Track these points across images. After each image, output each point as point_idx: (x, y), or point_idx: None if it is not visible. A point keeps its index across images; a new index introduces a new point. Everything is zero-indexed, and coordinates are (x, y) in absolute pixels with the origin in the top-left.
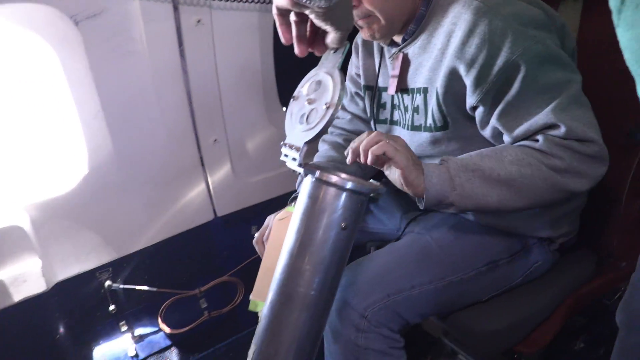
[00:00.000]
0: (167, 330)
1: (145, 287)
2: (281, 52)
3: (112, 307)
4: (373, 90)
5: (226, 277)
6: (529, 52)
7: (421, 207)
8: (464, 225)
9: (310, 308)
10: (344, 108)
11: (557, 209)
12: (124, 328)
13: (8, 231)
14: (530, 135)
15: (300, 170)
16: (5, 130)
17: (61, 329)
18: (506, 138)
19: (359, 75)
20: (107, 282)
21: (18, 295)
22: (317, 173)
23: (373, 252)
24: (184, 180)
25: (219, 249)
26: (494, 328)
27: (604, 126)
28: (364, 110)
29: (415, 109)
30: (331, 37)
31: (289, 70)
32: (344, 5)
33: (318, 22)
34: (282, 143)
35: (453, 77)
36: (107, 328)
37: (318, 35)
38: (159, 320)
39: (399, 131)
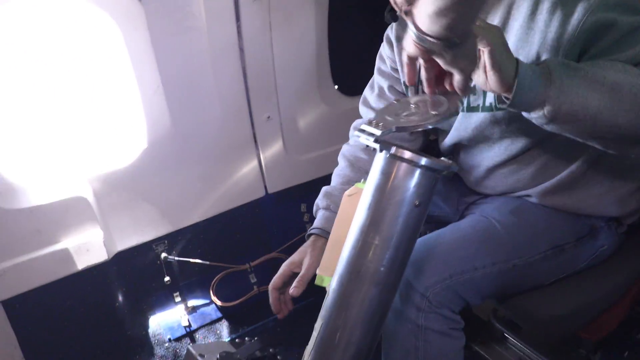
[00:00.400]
0: (219, 303)
1: (198, 260)
2: (336, 29)
3: (167, 279)
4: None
5: (275, 254)
6: (601, 4)
7: (505, 106)
8: (528, 207)
9: (380, 284)
10: (370, 106)
11: (624, 186)
12: (178, 299)
13: (73, 201)
14: None
15: (375, 145)
16: (70, 104)
17: (120, 298)
18: None
19: (396, 70)
20: (163, 254)
21: (81, 263)
22: (393, 149)
23: (435, 231)
24: (237, 156)
25: (268, 226)
26: (556, 313)
27: None
28: None
29: (472, 90)
30: (456, 79)
31: (342, 48)
32: (470, 49)
33: (446, 66)
34: (369, 119)
35: (522, 46)
36: (161, 298)
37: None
38: (211, 293)
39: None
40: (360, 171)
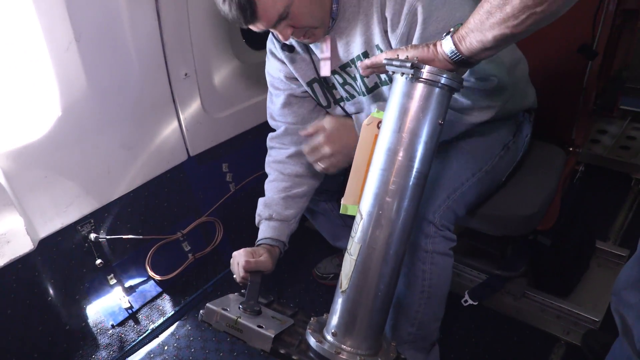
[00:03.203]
0: (157, 277)
1: (129, 236)
2: None
3: (98, 261)
4: (318, 80)
5: (204, 218)
6: None
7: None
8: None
9: (414, 198)
10: (277, 120)
11: (519, 81)
12: (113, 281)
13: None
14: None
15: (404, 70)
16: None
17: (51, 291)
18: None
19: (295, 79)
20: (91, 235)
21: (3, 258)
22: (425, 72)
23: None
24: (157, 119)
25: (194, 190)
26: (525, 214)
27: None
28: (316, 104)
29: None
30: None
31: None
32: None
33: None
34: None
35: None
36: (95, 283)
37: None
38: (147, 268)
39: (361, 99)
40: (290, 176)
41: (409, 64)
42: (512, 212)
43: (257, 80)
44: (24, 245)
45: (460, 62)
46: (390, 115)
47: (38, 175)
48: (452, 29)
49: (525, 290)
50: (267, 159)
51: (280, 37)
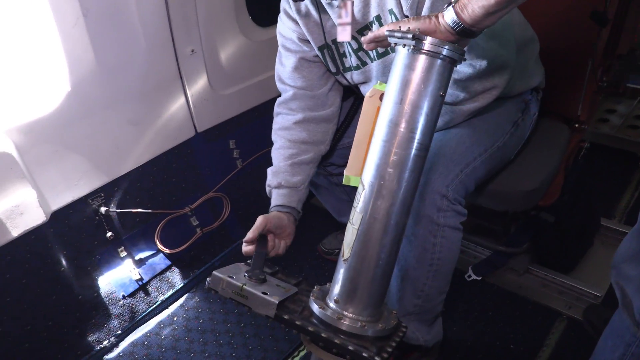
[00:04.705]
0: (166, 250)
1: (138, 210)
2: None
3: (109, 234)
4: (331, 46)
5: (212, 193)
6: None
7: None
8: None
9: (416, 169)
10: (285, 82)
11: (529, 61)
12: (123, 254)
13: None
14: None
15: (406, 41)
16: None
17: (64, 262)
18: None
19: (307, 42)
20: (102, 208)
21: (17, 229)
22: (427, 43)
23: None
24: (165, 95)
25: (202, 166)
26: (527, 189)
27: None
28: (326, 70)
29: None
30: None
31: None
32: None
33: None
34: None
35: None
36: (106, 256)
37: None
38: (157, 241)
39: (371, 67)
40: (296, 143)
41: (410, 35)
42: (513, 188)
43: (263, 57)
44: (36, 217)
45: (462, 32)
46: (392, 87)
47: (49, 149)
48: (452, 0)
49: (529, 266)
50: (274, 126)
51: None
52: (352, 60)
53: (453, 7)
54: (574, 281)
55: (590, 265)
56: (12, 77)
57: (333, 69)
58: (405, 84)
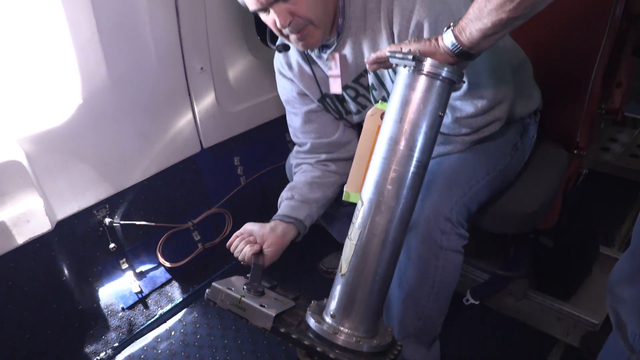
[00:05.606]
0: (167, 264)
1: (142, 222)
2: None
3: (112, 245)
4: (329, 96)
5: (215, 209)
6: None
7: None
8: None
9: (414, 186)
10: (299, 137)
11: (524, 83)
12: (125, 266)
13: (6, 167)
14: None
15: (406, 62)
16: None
17: (66, 271)
18: None
19: (306, 95)
20: (106, 220)
21: (22, 236)
22: (427, 65)
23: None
24: (173, 110)
25: (206, 181)
26: (528, 211)
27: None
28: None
29: (372, 87)
30: None
31: None
32: None
33: None
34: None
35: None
36: (108, 267)
37: None
38: (158, 255)
39: None
40: (320, 170)
41: (411, 57)
42: (512, 210)
43: (270, 76)
44: (42, 225)
45: (461, 54)
46: (392, 106)
47: (58, 159)
48: (452, 23)
49: (527, 291)
50: (296, 177)
51: (277, 19)
52: (352, 106)
53: (452, 30)
54: (572, 308)
55: (589, 292)
56: (28, 88)
57: (337, 115)
58: (405, 103)
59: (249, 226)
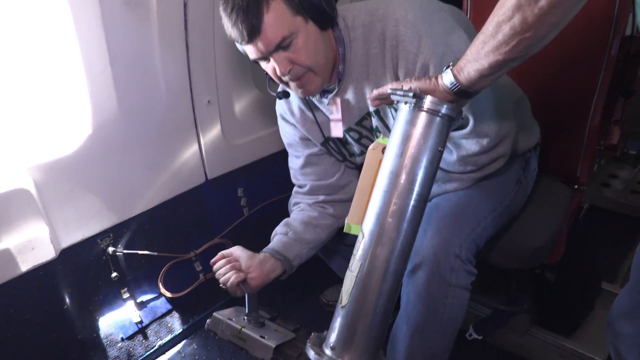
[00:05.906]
0: (168, 294)
1: (145, 252)
2: None
3: (114, 274)
4: (331, 139)
5: (217, 240)
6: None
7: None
8: None
9: (414, 219)
10: (300, 180)
11: (524, 118)
12: (126, 295)
13: (14, 195)
14: None
15: (407, 99)
16: (7, 87)
17: (67, 299)
18: None
19: (309, 139)
20: (109, 249)
21: (26, 264)
22: (427, 102)
23: (434, 201)
24: (179, 141)
25: (210, 212)
26: (536, 246)
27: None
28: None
29: (376, 129)
30: None
31: None
32: None
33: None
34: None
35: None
36: (109, 296)
37: None
38: (160, 285)
39: None
40: (317, 210)
41: (411, 94)
42: (520, 245)
43: (275, 110)
44: (47, 253)
45: (460, 93)
46: (393, 141)
47: (66, 188)
48: (451, 63)
49: (529, 326)
50: (293, 214)
51: (277, 67)
52: (355, 148)
53: (451, 69)
54: (574, 344)
55: (591, 329)
56: (40, 118)
57: (340, 158)
58: (406, 138)
59: (239, 251)
